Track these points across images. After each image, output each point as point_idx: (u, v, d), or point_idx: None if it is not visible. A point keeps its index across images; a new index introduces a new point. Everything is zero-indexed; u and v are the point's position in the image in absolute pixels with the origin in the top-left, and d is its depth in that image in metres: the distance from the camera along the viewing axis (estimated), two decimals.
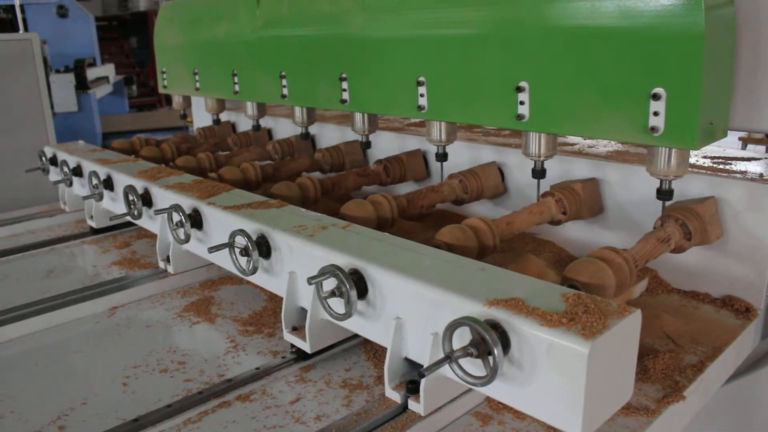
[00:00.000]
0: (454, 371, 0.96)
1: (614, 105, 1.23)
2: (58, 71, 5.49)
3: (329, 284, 1.16)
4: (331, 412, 1.14)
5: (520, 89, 1.36)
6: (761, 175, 1.47)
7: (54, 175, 2.38)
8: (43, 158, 2.39)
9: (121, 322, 1.54)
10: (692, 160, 1.65)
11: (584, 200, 1.61)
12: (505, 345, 0.93)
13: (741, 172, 1.50)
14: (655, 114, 1.17)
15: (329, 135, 2.48)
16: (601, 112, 1.25)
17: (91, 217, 2.13)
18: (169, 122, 6.59)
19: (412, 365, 1.12)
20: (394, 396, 1.11)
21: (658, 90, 1.16)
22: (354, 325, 1.19)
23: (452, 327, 0.94)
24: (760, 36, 1.28)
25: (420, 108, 1.57)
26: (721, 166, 1.57)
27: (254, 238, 1.37)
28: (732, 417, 1.54)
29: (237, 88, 2.17)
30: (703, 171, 1.51)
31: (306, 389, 1.22)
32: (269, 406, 1.17)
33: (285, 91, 1.97)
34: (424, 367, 0.96)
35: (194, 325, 1.51)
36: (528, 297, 0.97)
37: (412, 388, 1.08)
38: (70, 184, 2.22)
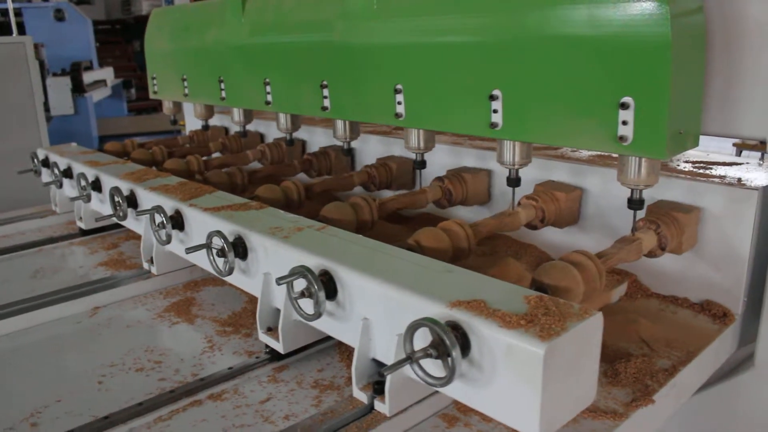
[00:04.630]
0: (414, 371, 0.97)
1: (585, 114, 1.24)
2: (55, 74, 5.54)
3: (300, 285, 1.17)
4: (300, 412, 1.15)
5: (493, 97, 1.37)
6: (739, 180, 1.47)
7: (45, 176, 2.40)
8: (35, 160, 2.41)
9: (102, 322, 1.56)
10: (673, 165, 1.65)
11: (564, 210, 1.61)
12: (465, 346, 0.93)
13: (720, 177, 1.50)
14: (624, 123, 1.18)
15: (317, 140, 2.49)
16: (572, 120, 1.26)
17: (80, 218, 2.15)
18: (166, 126, 6.62)
19: (381, 366, 1.13)
20: (362, 396, 1.12)
21: (627, 99, 1.17)
22: (324, 325, 1.20)
23: (413, 328, 0.95)
24: (733, 42, 1.29)
25: (398, 116, 1.58)
26: (701, 171, 1.58)
27: (231, 239, 1.38)
28: (709, 423, 1.53)
29: (224, 94, 2.20)
30: (682, 176, 1.51)
31: (277, 389, 1.23)
32: (239, 405, 1.18)
33: (269, 97, 1.99)
34: (385, 366, 0.97)
35: (174, 325, 1.52)
36: (491, 299, 0.98)
37: (378, 388, 1.09)
38: (61, 186, 2.24)
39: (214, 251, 1.40)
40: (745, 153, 3.57)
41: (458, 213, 1.97)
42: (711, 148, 2.03)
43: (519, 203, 1.60)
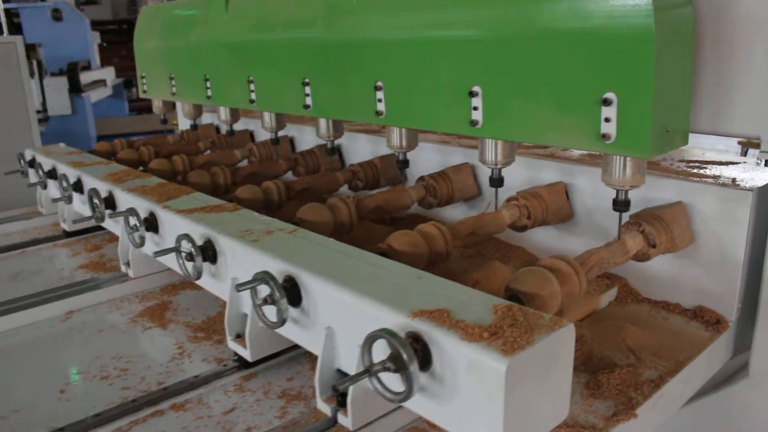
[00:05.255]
0: (373, 385, 0.91)
1: (566, 110, 1.18)
2: (53, 74, 5.53)
3: (264, 291, 1.12)
4: (263, 424, 1.10)
5: (473, 94, 1.31)
6: (734, 180, 1.40)
7: (33, 177, 2.36)
8: (22, 161, 2.38)
9: (75, 326, 1.52)
10: (666, 163, 1.58)
11: (551, 205, 1.55)
12: (426, 359, 0.88)
13: (713, 177, 1.43)
14: (607, 120, 1.12)
15: (307, 138, 2.45)
16: (554, 118, 1.20)
17: (64, 220, 2.12)
18: (165, 125, 6.60)
19: (345, 377, 1.08)
20: (326, 409, 1.06)
21: (609, 95, 1.11)
22: (290, 333, 1.15)
23: (371, 339, 0.89)
24: (724, 36, 1.23)
25: (378, 113, 1.53)
26: (695, 171, 1.51)
27: (201, 242, 1.34)
28: None
29: (210, 93, 2.15)
30: (674, 176, 1.44)
31: (243, 399, 1.18)
32: (202, 416, 1.13)
33: (253, 96, 1.94)
34: (341, 380, 0.92)
35: (146, 330, 1.48)
36: (457, 308, 0.92)
37: (342, 401, 1.04)
38: (45, 187, 2.21)
39: (184, 255, 1.35)
40: (751, 152, 3.45)
41: (449, 212, 1.92)
42: (719, 146, 1.96)
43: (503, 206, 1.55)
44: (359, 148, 2.22)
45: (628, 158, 1.18)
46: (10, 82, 3.43)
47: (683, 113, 1.19)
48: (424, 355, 0.88)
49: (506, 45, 1.24)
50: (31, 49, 5.23)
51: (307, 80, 1.72)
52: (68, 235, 2.13)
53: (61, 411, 1.17)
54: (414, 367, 0.84)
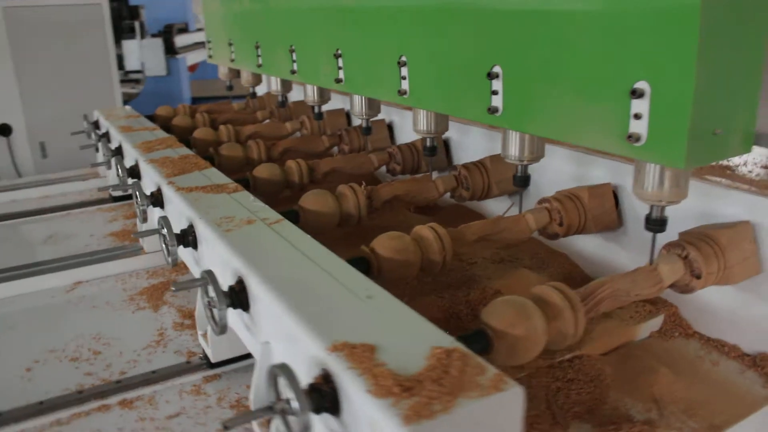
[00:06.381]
0: (276, 427, 0.77)
1: (590, 102, 0.95)
2: (153, 35, 5.74)
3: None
4: None
5: (492, 75, 1.10)
6: None
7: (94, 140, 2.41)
8: (86, 122, 2.42)
9: (74, 299, 1.49)
10: (744, 170, 1.28)
11: (592, 210, 1.31)
12: (336, 405, 0.72)
13: None
14: (637, 117, 0.88)
15: None
16: (577, 110, 0.97)
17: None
18: (231, 92, 6.66)
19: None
20: None
21: (641, 84, 0.87)
22: (244, 339, 1.04)
23: (273, 373, 0.75)
24: None
25: (401, 93, 1.35)
26: None
27: (186, 225, 1.24)
28: None
29: (260, 61, 2.05)
30: (745, 187, 1.15)
31: (194, 404, 1.08)
32: (144, 417, 1.05)
33: (294, 66, 1.81)
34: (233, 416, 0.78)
35: (138, 311, 1.42)
36: (389, 344, 0.75)
37: None
38: (98, 150, 2.23)
39: (165, 238, 1.27)
40: None
41: (494, 206, 1.71)
42: None
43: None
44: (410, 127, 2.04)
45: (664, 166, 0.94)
46: (96, 43, 3.54)
47: (746, 111, 0.91)
48: (332, 401, 0.72)
49: (528, 16, 1.02)
50: (134, 10, 5.44)
51: (339, 52, 1.57)
52: (115, 199, 2.14)
53: (15, 391, 1.13)
54: (306, 418, 0.69)
